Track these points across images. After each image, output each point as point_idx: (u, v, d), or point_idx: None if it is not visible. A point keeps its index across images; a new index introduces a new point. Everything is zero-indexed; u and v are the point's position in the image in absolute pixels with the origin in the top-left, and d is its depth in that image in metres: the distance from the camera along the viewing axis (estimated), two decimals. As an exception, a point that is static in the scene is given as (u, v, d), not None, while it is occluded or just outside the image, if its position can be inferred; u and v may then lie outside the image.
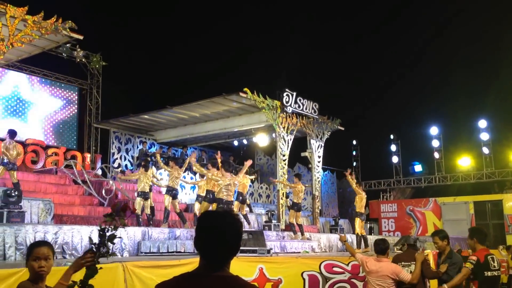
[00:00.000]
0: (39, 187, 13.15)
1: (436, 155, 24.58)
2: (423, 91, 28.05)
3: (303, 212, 17.12)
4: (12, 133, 11.28)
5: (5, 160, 10.80)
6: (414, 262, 6.27)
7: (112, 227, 3.47)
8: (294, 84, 23.70)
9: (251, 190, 20.96)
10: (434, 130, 24.73)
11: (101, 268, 3.44)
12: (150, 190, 12.36)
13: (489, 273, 5.74)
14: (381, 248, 6.32)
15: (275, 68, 28.71)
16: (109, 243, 3.43)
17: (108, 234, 3.43)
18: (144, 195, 11.91)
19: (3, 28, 8.91)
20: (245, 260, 8.20)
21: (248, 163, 12.62)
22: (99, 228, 3.45)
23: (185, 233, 10.82)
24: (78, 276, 3.42)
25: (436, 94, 27.42)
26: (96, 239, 3.45)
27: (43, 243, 3.68)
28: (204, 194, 12.47)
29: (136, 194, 12.22)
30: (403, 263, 6.43)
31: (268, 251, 9.22)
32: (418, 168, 25.51)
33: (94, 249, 3.40)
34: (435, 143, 24.62)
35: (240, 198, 13.87)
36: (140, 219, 11.73)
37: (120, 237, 3.83)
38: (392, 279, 6.08)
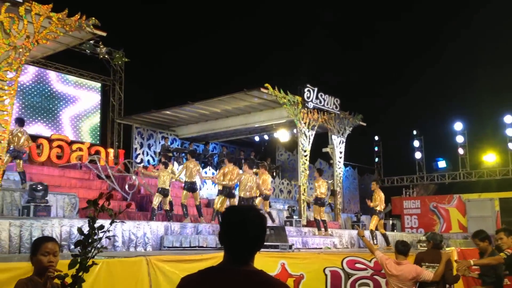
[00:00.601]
0: (64, 182, 13.37)
1: (461, 151, 24.20)
2: (447, 85, 27.56)
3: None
4: (19, 121, 11.34)
5: (11, 148, 10.80)
6: (439, 265, 6.16)
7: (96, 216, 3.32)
8: (315, 79, 23.56)
9: (271, 186, 20.97)
10: (458, 126, 24.34)
11: (93, 263, 3.35)
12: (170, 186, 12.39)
13: None
14: (402, 250, 6.24)
15: (296, 63, 28.60)
16: (104, 236, 3.33)
17: (97, 225, 3.33)
18: (164, 191, 11.97)
19: (28, 26, 9.05)
20: (267, 256, 8.20)
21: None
22: (88, 218, 3.35)
23: (207, 228, 10.88)
24: (105, 273, 3.37)
25: (461, 89, 26.92)
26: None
27: (51, 238, 3.70)
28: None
29: (157, 189, 12.31)
30: (426, 264, 6.31)
31: (290, 247, 9.22)
32: (442, 164, 25.14)
33: (84, 241, 3.31)
34: (460, 139, 24.23)
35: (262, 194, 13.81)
36: (155, 214, 11.79)
37: (114, 235, 3.67)
38: (413, 281, 6.01)
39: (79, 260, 3.26)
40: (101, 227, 3.31)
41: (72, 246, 8.04)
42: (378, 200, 12.96)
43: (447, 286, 6.45)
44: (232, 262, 2.19)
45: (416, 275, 5.99)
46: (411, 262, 6.35)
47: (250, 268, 2.19)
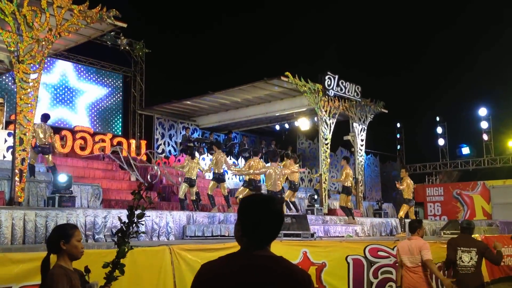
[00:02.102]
0: (88, 173, 13.57)
1: (485, 137, 23.77)
2: (470, 70, 27.01)
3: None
4: (44, 117, 11.41)
5: (37, 143, 10.92)
6: (475, 249, 6.18)
7: (140, 206, 3.48)
8: (336, 66, 23.36)
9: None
10: (482, 111, 23.88)
11: (132, 248, 3.48)
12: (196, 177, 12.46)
13: None
14: (412, 227, 6.39)
15: (317, 50, 28.36)
16: (139, 223, 3.47)
17: (136, 212, 3.45)
18: (190, 182, 12.01)
19: (50, 18, 9.15)
20: (289, 244, 8.22)
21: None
22: (127, 207, 3.48)
23: (229, 217, 10.94)
24: (111, 256, 3.48)
25: (485, 73, 26.35)
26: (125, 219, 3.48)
27: (76, 226, 3.76)
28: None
29: (183, 179, 12.35)
30: (462, 248, 6.30)
31: (312, 235, 9.19)
32: (465, 150, 24.76)
33: (124, 228, 3.44)
34: (484, 125, 23.80)
35: (293, 186, 13.85)
36: (184, 204, 11.89)
37: (147, 216, 3.85)
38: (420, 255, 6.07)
39: (126, 250, 3.40)
40: (141, 215, 3.46)
41: (97, 236, 8.21)
42: (405, 186, 12.91)
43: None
44: (251, 249, 2.19)
45: (419, 248, 6.01)
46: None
47: (269, 254, 2.20)
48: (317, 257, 8.16)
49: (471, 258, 6.11)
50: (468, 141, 25.00)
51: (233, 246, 7.39)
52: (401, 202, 13.32)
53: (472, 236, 6.53)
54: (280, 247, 8.06)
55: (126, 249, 3.41)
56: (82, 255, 3.46)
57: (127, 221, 3.48)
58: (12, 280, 4.82)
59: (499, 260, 6.39)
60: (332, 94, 16.32)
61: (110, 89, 20.45)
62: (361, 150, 18.27)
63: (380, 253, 8.71)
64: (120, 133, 20.11)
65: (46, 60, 9.57)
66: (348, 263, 8.38)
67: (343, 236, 12.24)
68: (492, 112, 23.92)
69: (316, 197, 15.19)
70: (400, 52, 29.11)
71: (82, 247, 3.47)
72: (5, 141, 12.53)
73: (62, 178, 9.59)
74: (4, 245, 6.99)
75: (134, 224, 3.44)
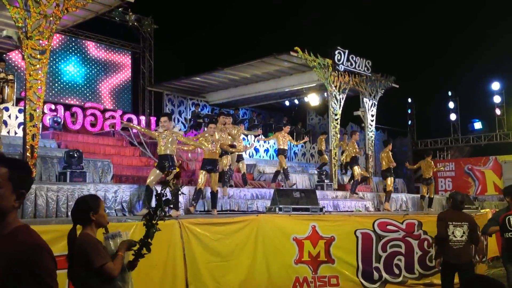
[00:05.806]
0: (98, 149, 13.66)
1: (498, 111, 23.49)
2: (483, 43, 26.45)
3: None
4: None
5: None
6: (467, 223, 6.22)
7: (168, 190, 3.96)
8: (346, 39, 23.03)
9: (303, 151, 20.93)
10: (495, 85, 23.53)
11: (159, 230, 3.80)
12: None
13: (509, 234, 5.93)
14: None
15: (326, 24, 27.97)
16: (166, 207, 3.85)
17: (164, 199, 3.80)
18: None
19: (57, -6, 9.13)
20: (298, 218, 8.27)
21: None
22: (155, 194, 3.90)
23: (238, 193, 10.99)
24: (139, 235, 3.72)
25: (498, 46, 25.79)
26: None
27: None
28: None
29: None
30: (454, 223, 6.29)
31: (321, 209, 9.22)
32: (477, 125, 24.51)
33: (152, 212, 3.75)
34: (497, 99, 23.48)
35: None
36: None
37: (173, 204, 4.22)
38: None
39: (154, 231, 3.75)
40: (168, 201, 3.86)
41: (108, 210, 8.32)
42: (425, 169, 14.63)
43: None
44: None
45: None
46: None
47: None
48: (326, 231, 8.21)
49: (464, 233, 6.17)
50: (481, 116, 24.73)
51: (242, 220, 7.47)
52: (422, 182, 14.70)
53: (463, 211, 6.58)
54: (288, 221, 8.11)
55: (154, 230, 3.72)
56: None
57: (154, 206, 3.83)
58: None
59: (478, 241, 6.73)
60: (342, 69, 16.16)
61: (119, 65, 20.41)
62: (371, 125, 18.17)
63: (389, 227, 8.74)
64: (130, 109, 20.15)
65: (53, 37, 9.54)
66: (357, 237, 8.42)
67: (352, 211, 12.28)
68: (505, 86, 23.56)
69: (324, 172, 15.20)
70: (412, 26, 28.62)
71: (106, 215, 3.77)
72: (16, 117, 12.65)
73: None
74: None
75: (161, 209, 3.79)
